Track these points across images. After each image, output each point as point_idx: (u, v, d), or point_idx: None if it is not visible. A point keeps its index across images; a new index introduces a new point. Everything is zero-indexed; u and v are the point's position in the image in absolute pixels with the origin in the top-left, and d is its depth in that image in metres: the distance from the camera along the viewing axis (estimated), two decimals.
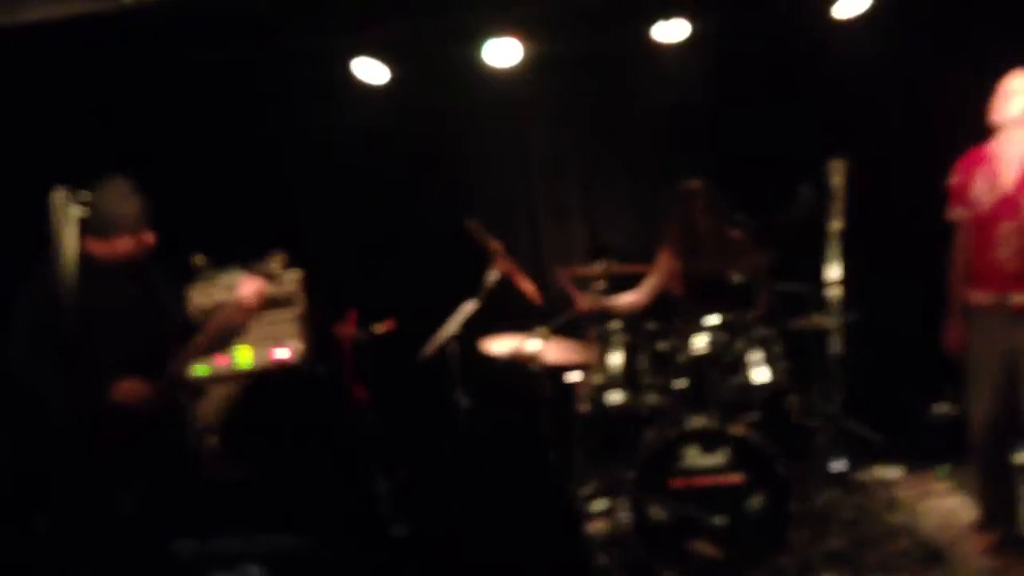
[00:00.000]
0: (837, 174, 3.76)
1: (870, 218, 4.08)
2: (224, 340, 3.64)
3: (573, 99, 5.56)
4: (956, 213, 3.99)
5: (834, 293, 3.85)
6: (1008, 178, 3.80)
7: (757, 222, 4.60)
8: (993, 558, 3.89)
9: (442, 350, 4.49)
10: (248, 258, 4.23)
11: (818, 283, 3.95)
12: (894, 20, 4.87)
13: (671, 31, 4.99)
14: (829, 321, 3.90)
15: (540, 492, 4.16)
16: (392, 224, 5.42)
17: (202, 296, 4.29)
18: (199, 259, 4.43)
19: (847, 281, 3.92)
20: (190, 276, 4.32)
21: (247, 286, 3.54)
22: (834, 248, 3.79)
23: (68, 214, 3.08)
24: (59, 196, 3.07)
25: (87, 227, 3.25)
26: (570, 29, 5.26)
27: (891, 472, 4.92)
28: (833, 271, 3.82)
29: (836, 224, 3.76)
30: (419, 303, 4.76)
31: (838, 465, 4.15)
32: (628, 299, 4.86)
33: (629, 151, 5.52)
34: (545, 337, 4.42)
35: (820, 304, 4.02)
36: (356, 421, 4.71)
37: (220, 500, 1.67)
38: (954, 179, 3.99)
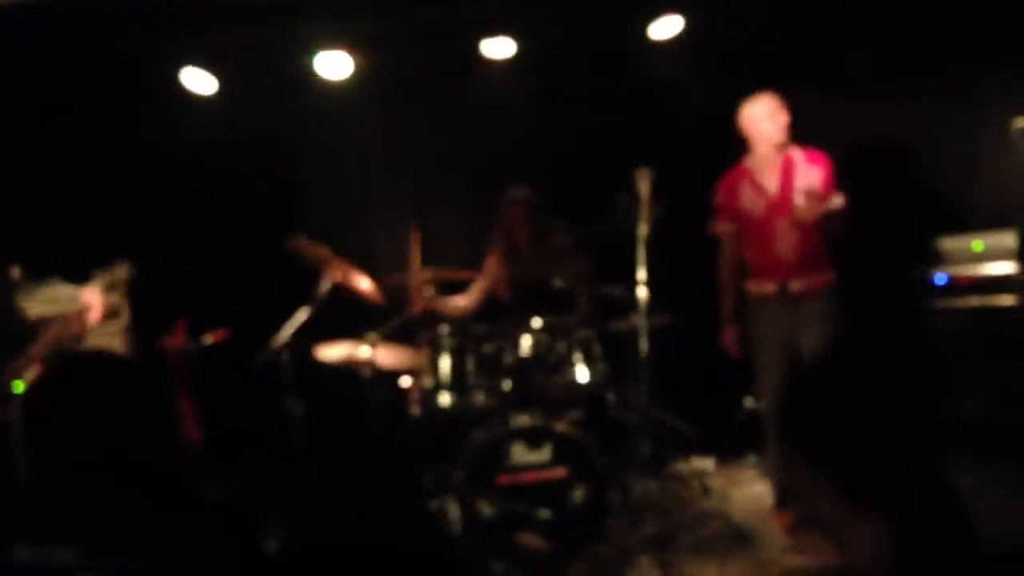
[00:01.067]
0: (644, 183, 4.06)
1: (677, 225, 4.39)
2: (59, 351, 3.57)
3: (405, 111, 5.67)
4: (722, 227, 4.47)
5: (642, 295, 4.13)
6: (772, 186, 4.30)
7: (577, 229, 4.86)
8: (793, 535, 4.25)
9: (275, 358, 4.52)
10: (80, 268, 4.19)
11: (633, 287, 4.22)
12: (705, 43, 5.22)
13: (498, 48, 5.19)
14: (642, 322, 4.17)
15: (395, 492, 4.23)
16: (223, 233, 5.39)
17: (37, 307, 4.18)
18: (14, 271, 4.31)
19: (658, 284, 4.23)
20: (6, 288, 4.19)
21: (88, 297, 3.49)
22: (642, 253, 4.06)
23: None
24: None
25: None
26: (401, 43, 5.39)
27: (705, 463, 5.26)
28: (641, 274, 4.10)
29: (643, 230, 4.04)
30: (253, 313, 4.77)
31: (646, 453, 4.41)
32: (459, 303, 5.03)
33: (458, 162, 5.68)
34: (376, 343, 4.52)
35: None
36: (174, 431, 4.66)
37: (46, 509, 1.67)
38: (719, 197, 4.47)
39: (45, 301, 4.31)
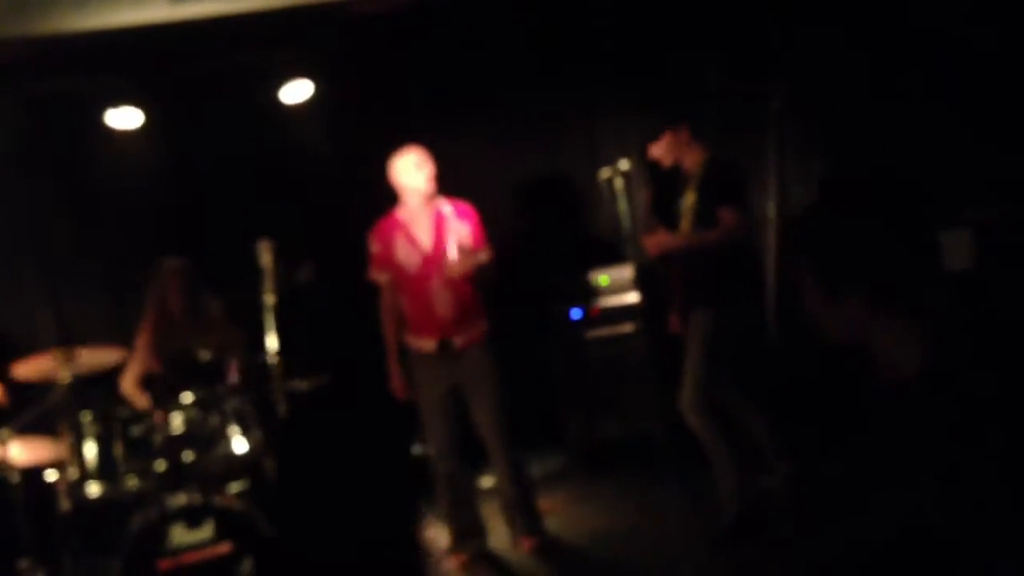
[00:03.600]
0: (266, 253, 4.09)
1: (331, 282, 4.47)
2: None
3: (33, 185, 5.35)
4: (380, 276, 4.61)
5: (274, 362, 4.12)
6: (425, 241, 4.48)
7: (228, 297, 4.81)
8: (467, 573, 4.42)
9: None
10: None
11: (291, 352, 4.22)
12: (337, 105, 5.37)
13: (124, 118, 5.04)
14: (296, 385, 4.19)
15: None
16: None
17: None
18: None
19: (317, 344, 4.28)
20: None
21: None
22: (270, 321, 4.06)
23: None
24: None
25: None
26: (26, 113, 5.11)
27: None
28: (272, 342, 4.08)
29: (269, 299, 4.06)
30: None
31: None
32: (128, 386, 4.79)
33: (95, 235, 5.43)
34: (10, 438, 4.20)
35: (292, 371, 4.29)
36: None
37: None
38: (375, 246, 4.59)
39: None
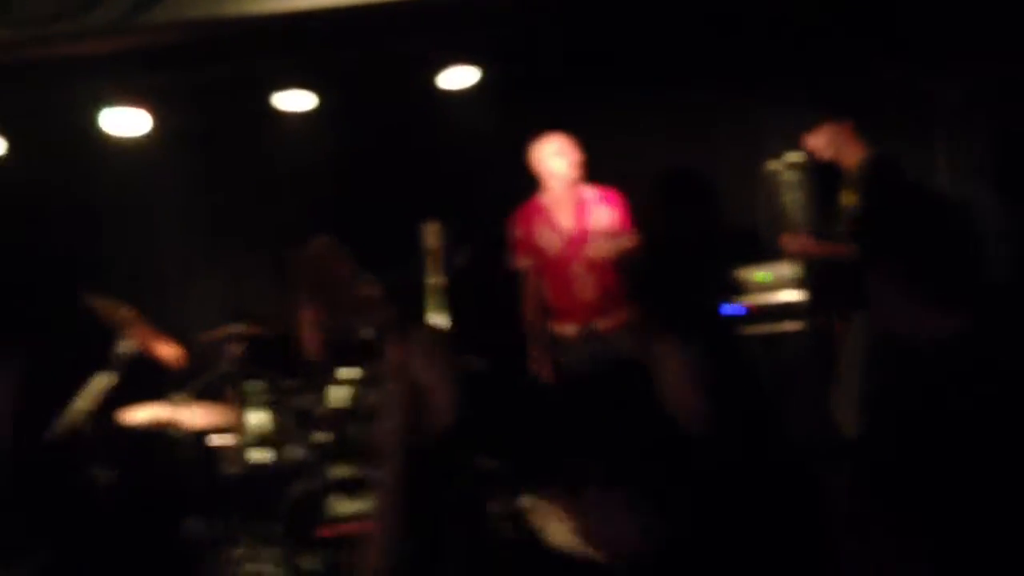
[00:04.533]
0: (432, 236, 4.19)
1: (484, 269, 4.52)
2: None
3: (206, 165, 5.59)
4: (522, 262, 4.63)
5: None
6: (567, 225, 4.48)
7: (383, 279, 4.91)
8: None
9: (74, 427, 4.35)
10: None
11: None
12: (497, 92, 5.41)
13: (294, 101, 5.20)
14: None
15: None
16: (11, 299, 5.15)
17: None
18: None
19: (469, 329, 4.33)
20: None
21: None
22: (434, 303, 4.18)
23: None
24: None
25: None
26: (195, 99, 5.33)
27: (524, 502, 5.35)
28: (437, 322, 4.21)
29: (433, 281, 4.14)
30: (47, 380, 4.57)
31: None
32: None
33: (262, 215, 5.64)
34: (184, 403, 4.42)
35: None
36: None
37: None
38: (516, 232, 4.62)
39: None
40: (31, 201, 5.27)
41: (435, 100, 5.37)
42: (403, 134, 5.53)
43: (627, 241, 4.52)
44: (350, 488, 4.10)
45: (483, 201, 5.08)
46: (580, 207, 4.57)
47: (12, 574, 4.37)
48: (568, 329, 4.55)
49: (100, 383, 4.34)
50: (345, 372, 4.39)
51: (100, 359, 4.38)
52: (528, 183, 4.75)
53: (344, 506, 4.08)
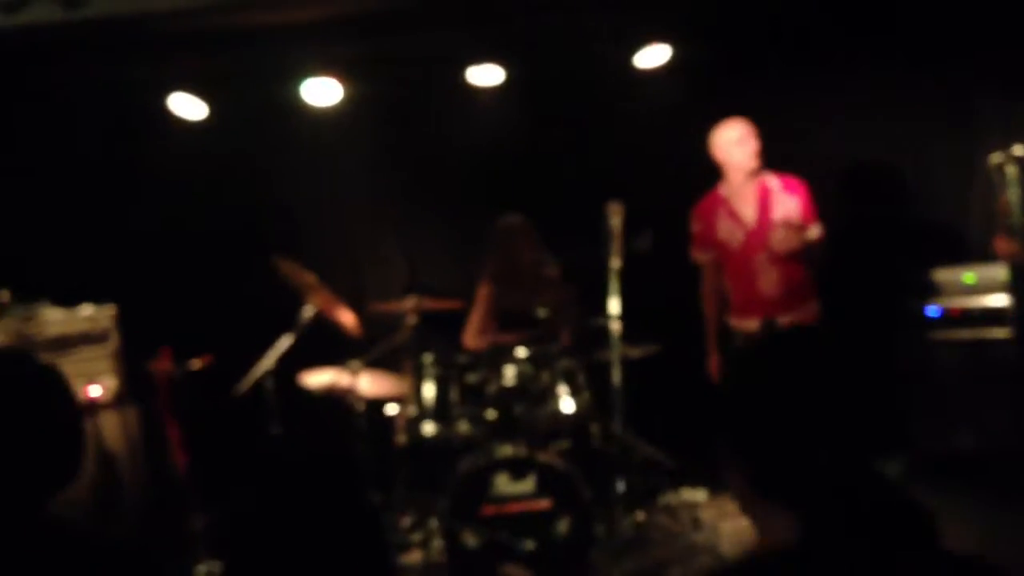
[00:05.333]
0: (615, 216, 4.04)
1: (664, 253, 4.37)
2: None
3: (392, 137, 5.66)
4: (702, 255, 4.45)
5: (615, 328, 4.08)
6: (749, 216, 4.27)
7: (564, 258, 4.84)
8: None
9: (258, 385, 4.50)
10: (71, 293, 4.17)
11: (620, 317, 4.17)
12: (690, 72, 5.21)
13: (484, 75, 5.17)
14: (615, 354, 4.11)
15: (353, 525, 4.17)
16: (209, 260, 5.37)
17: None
18: (3, 295, 4.31)
19: (645, 313, 4.21)
20: None
21: None
22: (614, 285, 4.03)
23: None
24: None
25: None
26: (387, 70, 5.39)
27: (696, 495, 5.18)
28: (614, 307, 4.05)
29: (615, 263, 4.01)
30: (236, 339, 4.74)
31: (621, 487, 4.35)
32: (469, 337, 4.98)
33: (444, 189, 5.66)
34: (360, 370, 4.49)
35: (623, 337, 4.23)
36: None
37: None
38: (696, 225, 4.43)
39: (33, 323, 4.30)
40: (227, 165, 5.46)
41: (625, 78, 5.24)
42: (591, 112, 5.42)
43: (811, 233, 4.28)
44: (516, 468, 4.04)
45: (668, 184, 4.92)
46: (763, 197, 4.38)
47: (190, 525, 4.57)
48: (749, 324, 4.38)
49: (284, 344, 4.46)
50: (518, 350, 4.34)
51: (284, 321, 4.49)
52: (716, 168, 4.56)
53: (509, 486, 4.04)
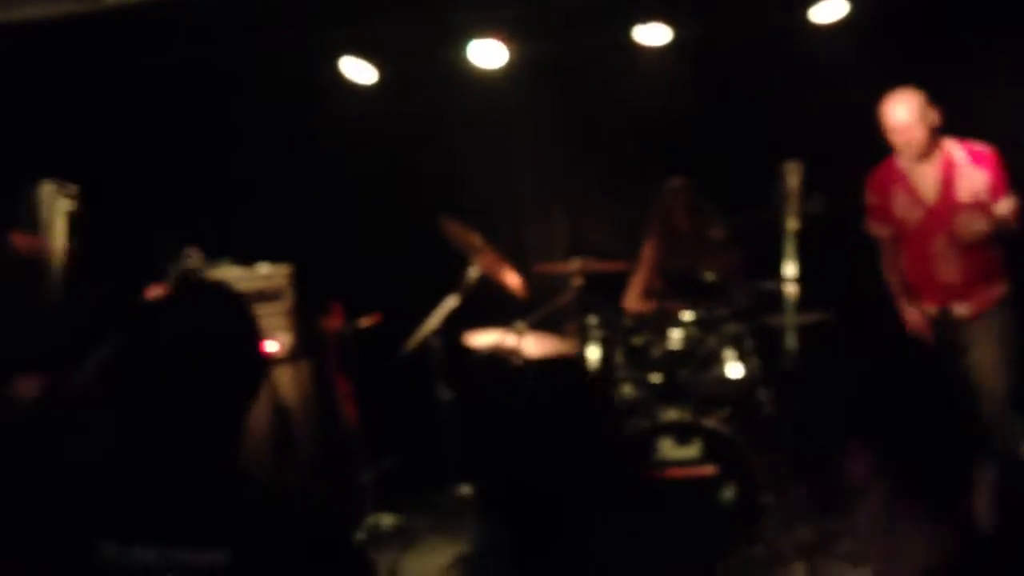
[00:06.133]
0: (793, 176, 3.80)
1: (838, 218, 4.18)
2: None
3: (556, 99, 5.65)
4: (879, 229, 4.19)
5: (791, 291, 3.86)
6: (928, 193, 3.98)
7: (732, 220, 4.71)
8: None
9: (425, 344, 4.60)
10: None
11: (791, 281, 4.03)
12: (871, 26, 4.95)
13: (652, 34, 5.07)
14: (791, 319, 3.98)
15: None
16: (378, 220, 5.52)
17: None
18: (193, 254, 4.52)
19: (817, 280, 4.04)
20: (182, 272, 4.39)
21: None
22: (791, 248, 3.81)
23: (56, 207, 3.16)
24: (47, 189, 3.15)
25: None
26: (553, 31, 5.34)
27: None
28: (790, 270, 3.82)
29: (792, 224, 3.78)
30: (403, 298, 4.86)
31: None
32: (631, 299, 4.94)
33: (609, 151, 5.61)
34: (525, 331, 4.52)
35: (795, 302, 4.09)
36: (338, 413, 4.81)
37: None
38: (872, 198, 4.17)
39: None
40: (396, 128, 5.55)
41: (798, 35, 5.04)
42: (763, 70, 5.23)
43: (1001, 210, 3.86)
44: (680, 433, 4.00)
45: (845, 147, 4.70)
46: (947, 171, 4.01)
47: (360, 478, 4.73)
48: (924, 309, 4.15)
49: (450, 303, 4.54)
50: (684, 313, 4.27)
51: (451, 281, 4.57)
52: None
53: (673, 451, 4.00)
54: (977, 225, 3.89)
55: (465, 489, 4.80)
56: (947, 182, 4.02)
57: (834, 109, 5.01)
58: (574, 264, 4.55)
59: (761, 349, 4.30)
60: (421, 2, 4.90)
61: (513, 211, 5.79)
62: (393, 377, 4.88)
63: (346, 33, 5.23)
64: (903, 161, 4.13)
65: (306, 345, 4.74)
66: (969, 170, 3.99)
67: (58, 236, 3.18)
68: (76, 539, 1.55)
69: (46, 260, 3.16)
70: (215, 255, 4.54)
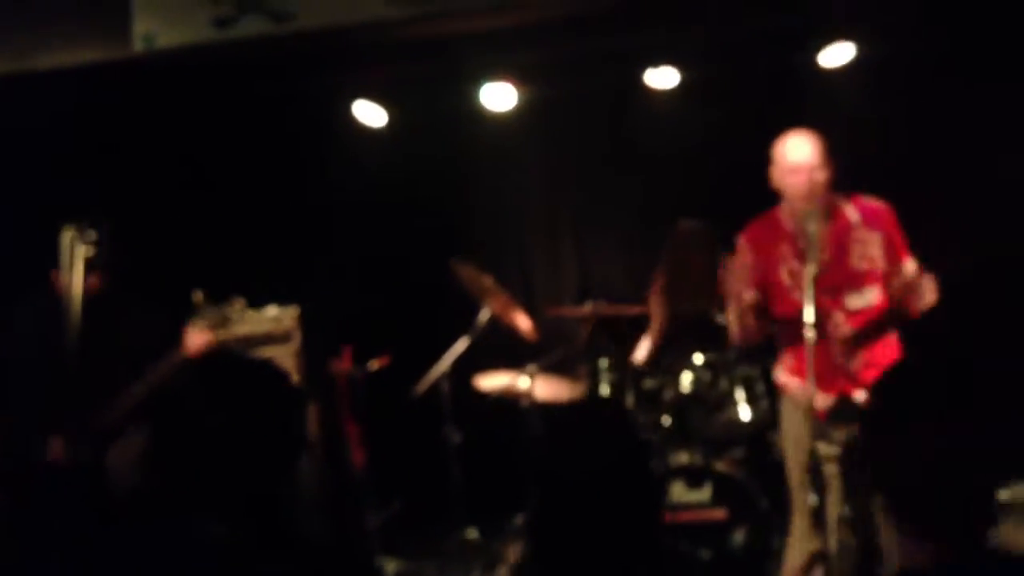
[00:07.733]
0: (814, 222, 3.48)
1: None
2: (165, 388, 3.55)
3: (567, 141, 5.68)
4: (745, 292, 3.76)
5: (809, 335, 3.39)
6: (819, 257, 3.47)
7: None
8: None
9: (434, 386, 4.59)
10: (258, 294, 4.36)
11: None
12: (877, 70, 5.00)
13: (662, 77, 5.12)
14: None
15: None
16: (388, 263, 5.53)
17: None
18: (197, 295, 4.52)
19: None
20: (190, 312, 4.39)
21: (193, 337, 3.60)
22: (809, 292, 3.41)
23: (76, 252, 3.19)
24: (68, 235, 3.18)
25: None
26: (564, 74, 5.40)
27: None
28: (808, 314, 3.38)
29: (811, 270, 3.39)
30: (413, 341, 4.87)
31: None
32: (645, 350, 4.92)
33: (619, 193, 5.62)
34: (535, 374, 4.52)
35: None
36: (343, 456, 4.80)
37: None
38: (746, 255, 3.86)
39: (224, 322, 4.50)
40: (406, 170, 5.59)
41: (806, 77, 5.08)
42: (773, 114, 5.25)
43: (907, 276, 3.40)
44: (691, 476, 3.98)
45: (855, 187, 4.69)
46: (838, 238, 3.62)
47: (368, 523, 4.70)
48: (815, 399, 3.37)
49: (460, 346, 4.54)
50: (695, 357, 4.27)
51: (461, 324, 4.58)
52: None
53: (684, 494, 3.98)
54: (929, 296, 3.36)
55: (472, 533, 4.76)
56: (839, 251, 3.61)
57: (842, 151, 5.04)
58: (586, 308, 4.55)
59: (772, 392, 4.28)
60: (437, 47, 4.95)
61: (522, 253, 5.80)
62: (402, 420, 4.87)
63: (359, 76, 5.29)
64: (788, 216, 3.70)
65: (314, 388, 4.74)
66: (863, 233, 3.63)
67: (76, 281, 3.20)
68: None
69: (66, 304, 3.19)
70: (223, 296, 4.56)
